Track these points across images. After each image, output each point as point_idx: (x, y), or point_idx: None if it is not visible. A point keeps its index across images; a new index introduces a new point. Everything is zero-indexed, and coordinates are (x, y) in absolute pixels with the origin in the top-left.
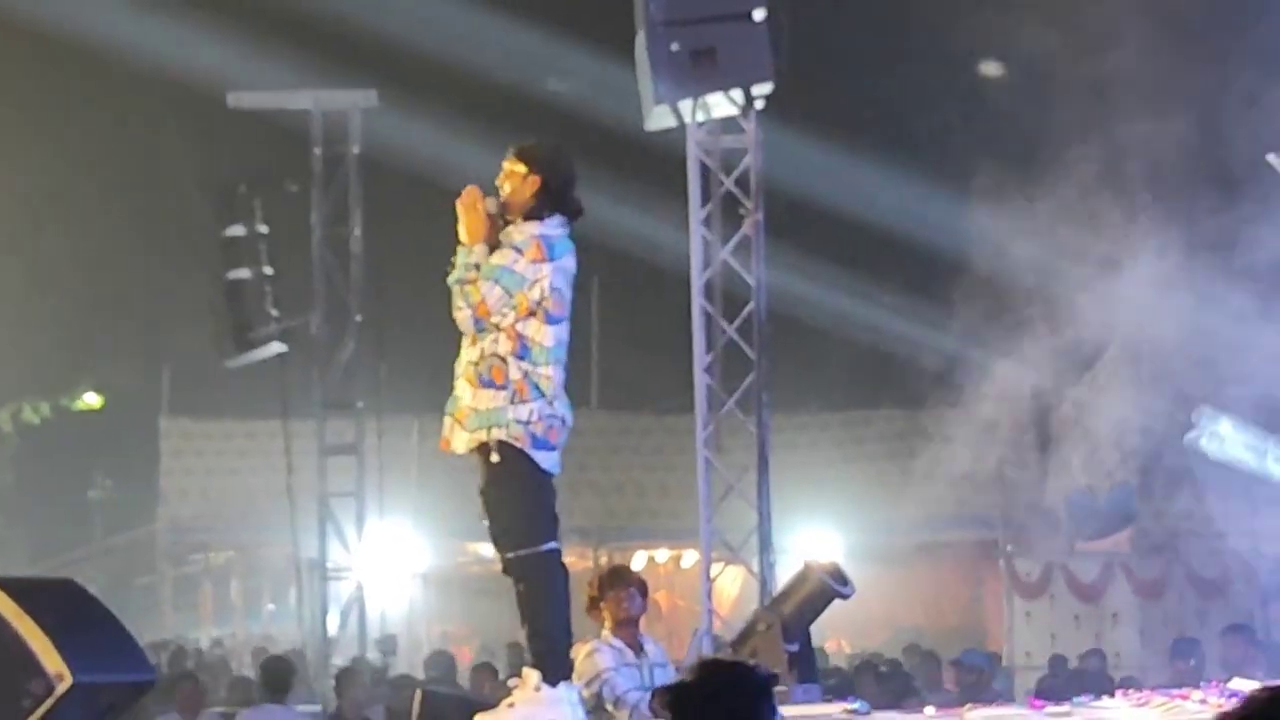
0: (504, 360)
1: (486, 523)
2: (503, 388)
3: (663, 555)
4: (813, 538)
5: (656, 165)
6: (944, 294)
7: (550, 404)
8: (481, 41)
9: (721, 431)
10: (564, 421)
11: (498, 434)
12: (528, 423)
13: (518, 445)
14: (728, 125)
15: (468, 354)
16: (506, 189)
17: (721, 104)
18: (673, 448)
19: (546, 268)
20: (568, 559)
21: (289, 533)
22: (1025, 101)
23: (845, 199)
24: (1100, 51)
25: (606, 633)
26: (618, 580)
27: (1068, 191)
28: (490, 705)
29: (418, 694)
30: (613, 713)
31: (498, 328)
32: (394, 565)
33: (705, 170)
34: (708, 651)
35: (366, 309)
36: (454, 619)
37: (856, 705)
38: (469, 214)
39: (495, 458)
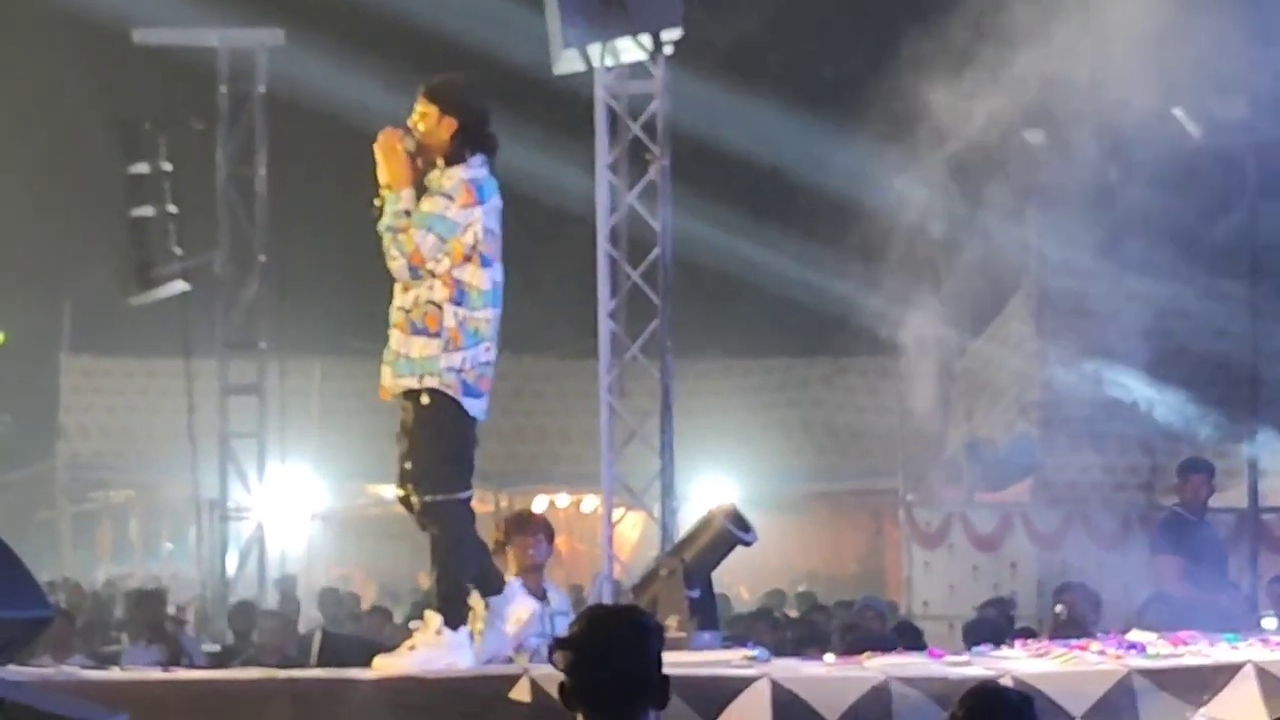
0: (439, 307)
1: (407, 465)
2: (436, 335)
3: (563, 500)
4: (713, 484)
5: (564, 109)
6: (849, 243)
7: (485, 349)
8: None
9: (625, 377)
10: (491, 367)
11: (430, 381)
12: (460, 370)
13: (449, 393)
14: (636, 70)
15: (400, 300)
16: (421, 129)
17: (630, 49)
18: (574, 392)
19: (478, 211)
20: None
21: (189, 472)
22: (934, 54)
23: (752, 146)
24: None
25: (511, 576)
26: (524, 526)
27: (975, 143)
28: (389, 647)
29: (317, 634)
30: (513, 657)
31: (433, 274)
32: (294, 506)
33: (613, 115)
34: (609, 597)
35: (270, 249)
36: (353, 561)
37: (756, 652)
38: (390, 157)
39: (425, 400)
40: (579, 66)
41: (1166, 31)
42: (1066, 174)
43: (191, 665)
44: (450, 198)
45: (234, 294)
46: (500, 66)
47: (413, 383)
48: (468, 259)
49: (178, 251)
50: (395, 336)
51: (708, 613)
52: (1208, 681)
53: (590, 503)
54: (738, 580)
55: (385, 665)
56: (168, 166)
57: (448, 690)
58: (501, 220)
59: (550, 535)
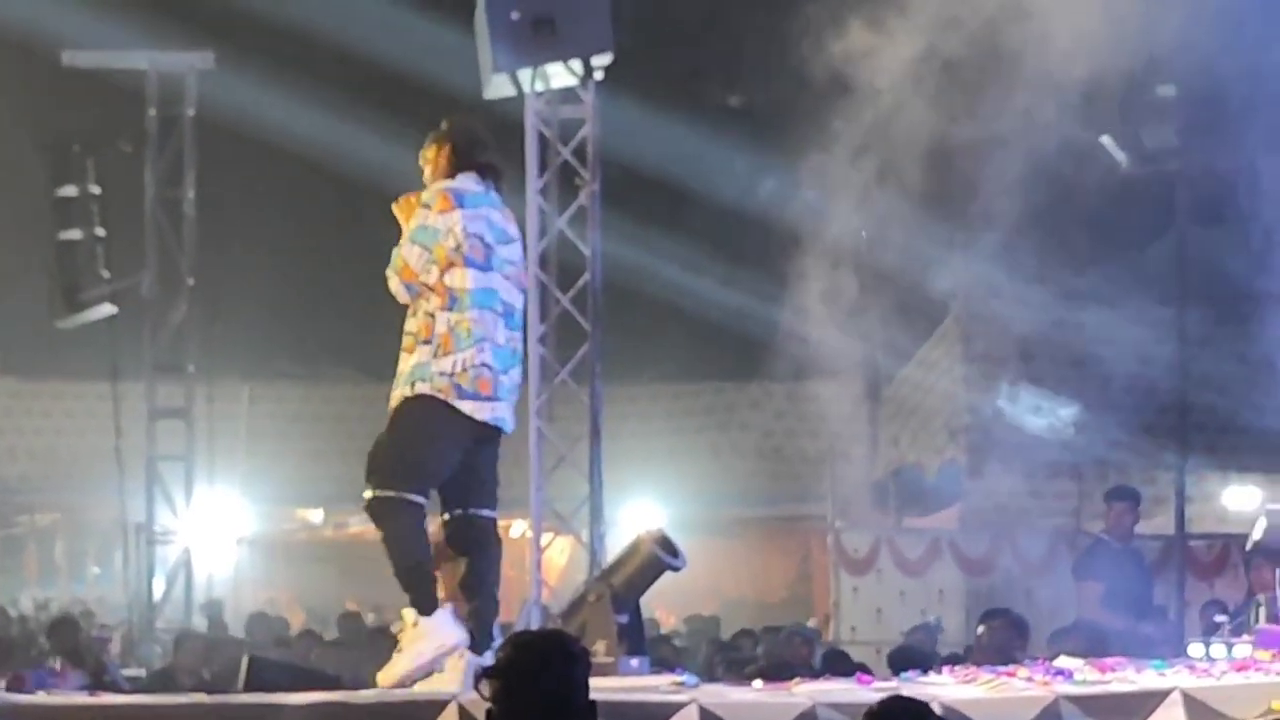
0: (433, 316)
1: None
2: (428, 342)
3: None
4: (642, 509)
5: (494, 134)
6: (778, 268)
7: (479, 350)
8: (321, 6)
9: (553, 401)
10: (494, 370)
11: (421, 387)
12: (451, 374)
13: (439, 396)
14: (566, 95)
15: (408, 325)
16: (427, 172)
17: (560, 74)
18: None
19: (456, 214)
20: None
21: (116, 495)
22: (861, 77)
23: (682, 171)
24: (937, 33)
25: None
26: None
27: (903, 168)
28: (317, 672)
29: (245, 659)
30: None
31: (427, 287)
32: (221, 530)
33: (543, 140)
34: (536, 622)
35: (199, 272)
36: (281, 585)
37: (684, 677)
38: (406, 212)
39: (405, 401)
40: (509, 91)
41: (1096, 57)
42: (996, 200)
43: (117, 690)
44: (428, 207)
45: (162, 317)
46: (431, 91)
47: (405, 390)
48: (452, 264)
49: (105, 274)
50: (401, 359)
51: (636, 638)
52: (1135, 708)
53: (518, 527)
54: (667, 605)
55: (385, 678)
56: (96, 189)
57: (375, 714)
58: (493, 230)
59: None
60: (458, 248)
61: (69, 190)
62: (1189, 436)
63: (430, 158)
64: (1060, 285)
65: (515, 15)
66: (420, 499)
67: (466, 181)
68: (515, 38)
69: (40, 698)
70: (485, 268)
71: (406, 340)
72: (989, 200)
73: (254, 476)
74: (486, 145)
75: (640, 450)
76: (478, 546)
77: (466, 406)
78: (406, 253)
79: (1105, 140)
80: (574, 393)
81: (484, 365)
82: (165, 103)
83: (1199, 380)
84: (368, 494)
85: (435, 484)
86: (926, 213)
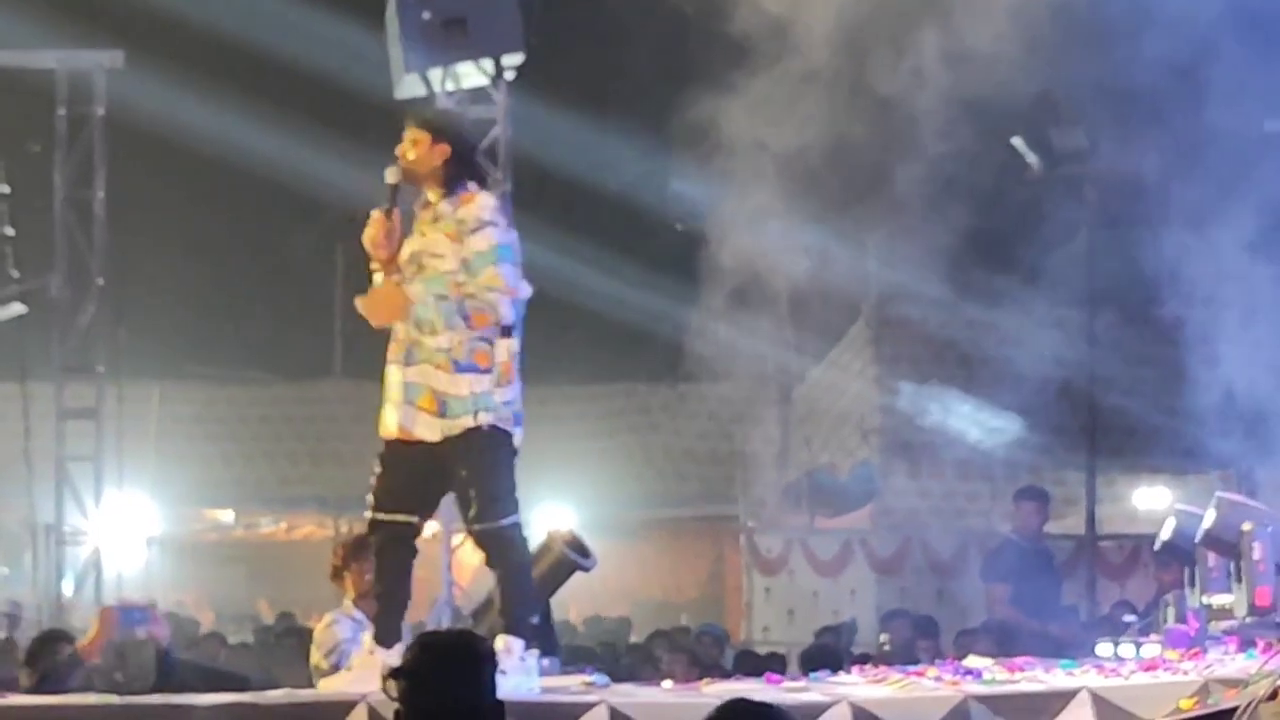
0: (490, 342)
1: (472, 494)
2: (487, 371)
3: None
4: (553, 511)
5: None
6: (689, 269)
7: (520, 377)
8: (230, 5)
9: None
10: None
11: (486, 418)
12: (511, 403)
13: (504, 427)
14: (477, 95)
15: (434, 341)
16: (410, 156)
17: (471, 74)
18: None
19: (514, 233)
20: (306, 528)
21: (25, 496)
22: (769, 76)
23: (593, 172)
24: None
25: (348, 603)
26: (361, 551)
27: (813, 168)
28: (225, 672)
29: (155, 660)
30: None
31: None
32: (131, 531)
33: None
34: (448, 623)
35: (108, 272)
36: (190, 586)
37: (594, 677)
38: (379, 238)
39: (485, 434)
40: (420, 91)
41: (1007, 59)
42: (907, 201)
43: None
44: (496, 224)
45: (71, 317)
46: (341, 91)
47: (468, 421)
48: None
49: (14, 274)
50: (438, 377)
51: (548, 638)
52: (1043, 707)
53: (429, 528)
54: (578, 605)
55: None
56: (4, 189)
57: (285, 715)
58: None
59: None
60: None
61: None
62: (1099, 438)
63: (421, 154)
64: (970, 286)
65: (426, 15)
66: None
67: (495, 199)
68: (426, 37)
69: None
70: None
71: (433, 357)
72: (899, 201)
73: (164, 477)
74: (478, 151)
75: (552, 452)
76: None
77: (516, 436)
78: (505, 273)
79: (1016, 142)
80: None
81: (520, 395)
82: (74, 102)
83: (1108, 382)
84: (499, 523)
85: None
86: (837, 214)
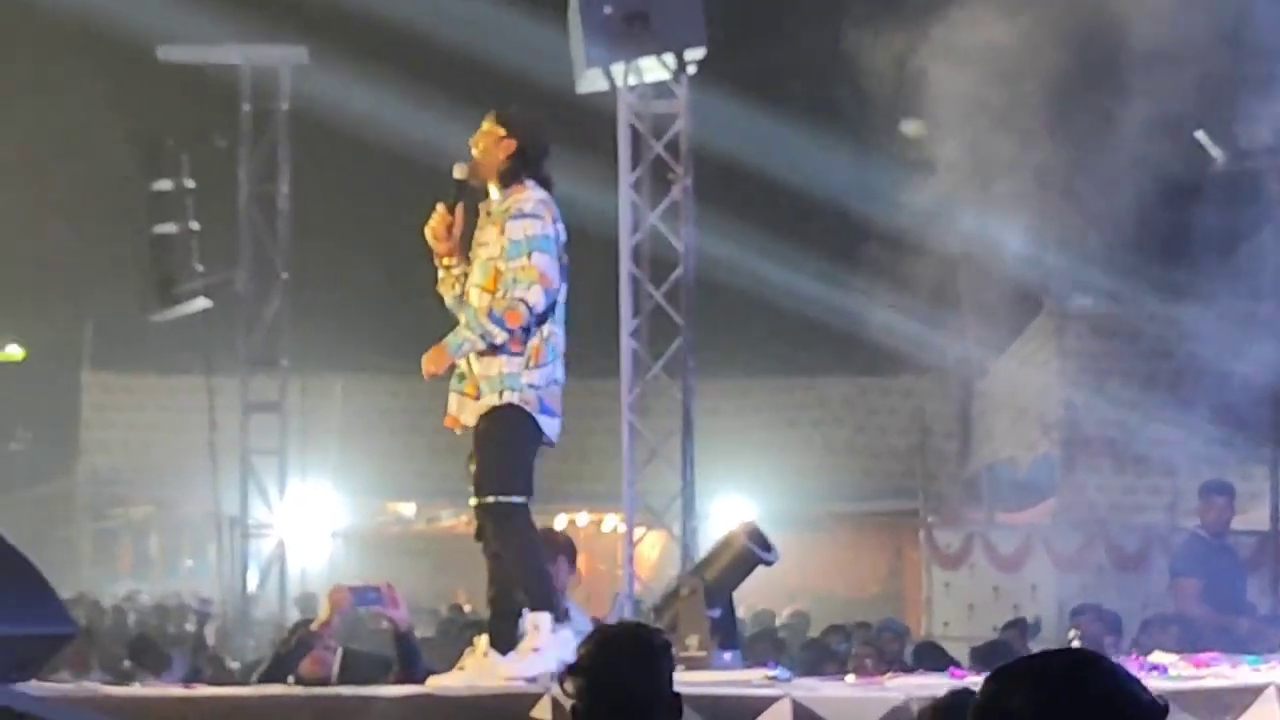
0: (525, 329)
1: (472, 469)
2: (518, 354)
3: (584, 519)
4: (733, 504)
5: (586, 128)
6: (871, 262)
7: (557, 366)
8: (414, 1)
9: (646, 396)
10: (560, 385)
11: (509, 397)
12: (538, 387)
13: (526, 409)
14: (659, 89)
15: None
16: (479, 149)
17: (653, 68)
18: (594, 411)
19: (559, 227)
20: None
21: (210, 489)
22: (957, 69)
23: (774, 165)
24: (1031, 26)
25: None
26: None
27: (999, 162)
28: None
29: (338, 652)
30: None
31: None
32: (314, 523)
33: (635, 134)
34: (629, 616)
35: (292, 266)
36: (373, 579)
37: (777, 671)
38: (439, 232)
39: (500, 411)
40: (602, 86)
41: (1193, 53)
42: (1091, 195)
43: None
44: (539, 217)
45: (256, 311)
46: (523, 85)
47: (494, 399)
48: None
49: (200, 268)
50: (476, 363)
51: (728, 632)
52: (1229, 703)
53: (610, 522)
54: (759, 599)
55: (507, 670)
56: (190, 183)
57: (468, 708)
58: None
59: (573, 555)
60: (559, 258)
61: (164, 184)
62: None
63: (489, 146)
64: (1153, 280)
65: (608, 10)
66: (525, 501)
67: (544, 191)
68: (608, 32)
69: (135, 689)
70: (565, 281)
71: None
72: (1084, 195)
73: (346, 470)
74: (548, 157)
75: (732, 445)
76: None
77: (544, 422)
78: (543, 263)
79: (1201, 136)
80: (666, 387)
81: (556, 382)
82: (259, 97)
83: None
84: (489, 500)
85: (531, 490)
86: (1020, 207)
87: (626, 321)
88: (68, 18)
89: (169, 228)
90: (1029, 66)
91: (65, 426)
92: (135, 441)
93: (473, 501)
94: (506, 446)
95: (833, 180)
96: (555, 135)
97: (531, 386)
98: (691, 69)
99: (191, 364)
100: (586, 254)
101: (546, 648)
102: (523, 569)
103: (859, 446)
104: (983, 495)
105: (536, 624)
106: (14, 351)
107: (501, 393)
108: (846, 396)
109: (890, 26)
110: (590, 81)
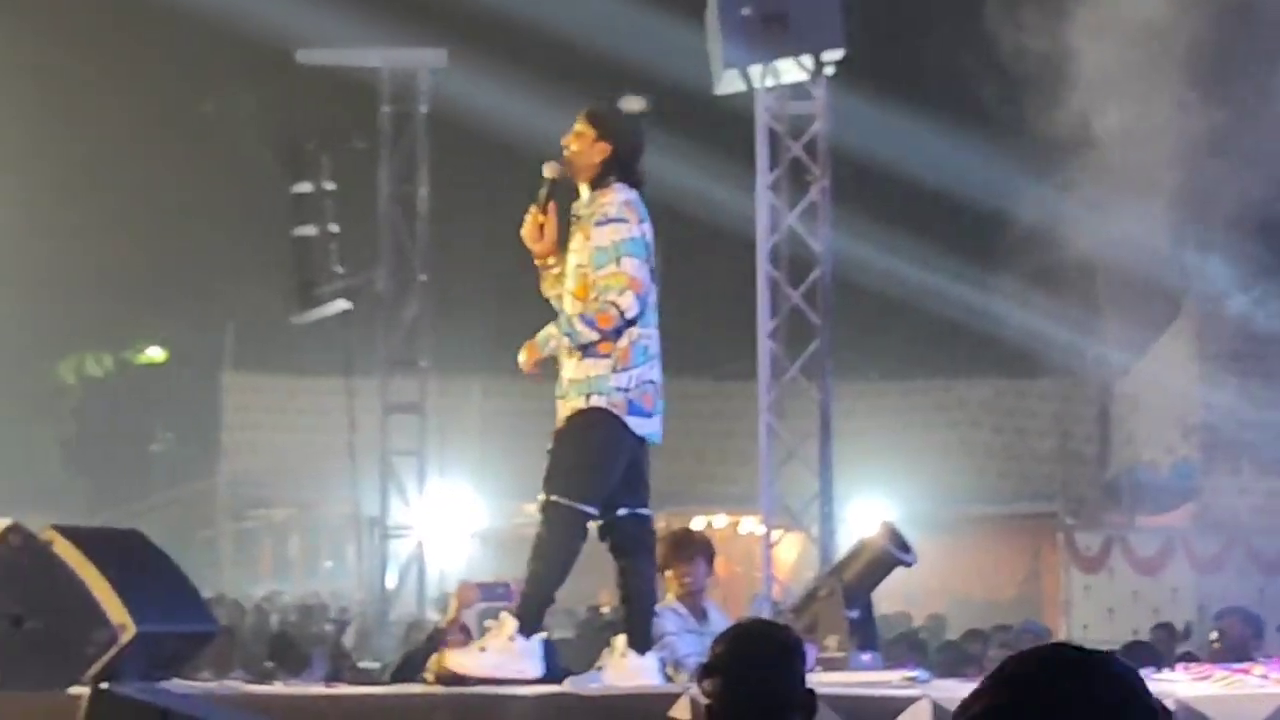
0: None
1: (548, 462)
2: (605, 356)
3: (721, 521)
4: (871, 505)
5: (724, 129)
6: (1010, 265)
7: (650, 367)
8: (552, 2)
9: (783, 397)
10: (657, 386)
11: (596, 400)
12: (626, 390)
13: (614, 411)
14: (797, 91)
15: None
16: (573, 148)
17: (791, 69)
18: (732, 413)
19: (647, 227)
20: None
21: (349, 490)
22: (1097, 74)
23: (912, 166)
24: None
25: (671, 597)
26: (681, 553)
27: (1139, 165)
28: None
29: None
30: (672, 675)
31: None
32: (454, 524)
33: (773, 135)
34: (766, 617)
35: (431, 268)
36: (511, 579)
37: (917, 673)
38: (534, 234)
39: (585, 413)
40: (740, 87)
41: None
42: (1230, 199)
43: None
44: (624, 220)
45: (395, 313)
46: (662, 86)
47: (580, 402)
48: None
49: (339, 270)
50: (568, 366)
51: (867, 633)
52: None
53: (748, 524)
54: (897, 601)
55: (454, 661)
56: (330, 186)
57: (606, 707)
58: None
59: (710, 557)
60: (648, 260)
61: (304, 186)
62: None
63: (584, 148)
64: None
65: (747, 11)
66: (593, 511)
67: (632, 193)
68: (746, 33)
69: (278, 688)
70: (655, 283)
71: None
72: (1223, 199)
73: (485, 471)
74: (642, 155)
75: (869, 447)
76: (642, 545)
77: (633, 422)
78: (631, 268)
79: None
80: (803, 389)
81: (650, 382)
82: (398, 100)
83: None
84: (554, 498)
85: (604, 498)
86: (1160, 210)
87: (764, 323)
88: (213, 22)
89: (309, 230)
90: (1171, 62)
91: (206, 428)
92: (275, 443)
93: (540, 496)
94: (581, 450)
95: (971, 180)
96: (688, 133)
97: (620, 389)
98: (829, 70)
99: (331, 365)
100: (724, 255)
101: (500, 651)
102: (539, 570)
103: (997, 449)
104: (1122, 498)
105: (504, 623)
106: (156, 353)
107: (589, 396)
108: (985, 399)
109: (1029, 23)
110: (728, 83)
